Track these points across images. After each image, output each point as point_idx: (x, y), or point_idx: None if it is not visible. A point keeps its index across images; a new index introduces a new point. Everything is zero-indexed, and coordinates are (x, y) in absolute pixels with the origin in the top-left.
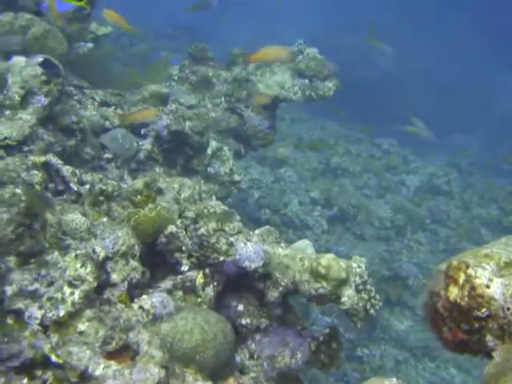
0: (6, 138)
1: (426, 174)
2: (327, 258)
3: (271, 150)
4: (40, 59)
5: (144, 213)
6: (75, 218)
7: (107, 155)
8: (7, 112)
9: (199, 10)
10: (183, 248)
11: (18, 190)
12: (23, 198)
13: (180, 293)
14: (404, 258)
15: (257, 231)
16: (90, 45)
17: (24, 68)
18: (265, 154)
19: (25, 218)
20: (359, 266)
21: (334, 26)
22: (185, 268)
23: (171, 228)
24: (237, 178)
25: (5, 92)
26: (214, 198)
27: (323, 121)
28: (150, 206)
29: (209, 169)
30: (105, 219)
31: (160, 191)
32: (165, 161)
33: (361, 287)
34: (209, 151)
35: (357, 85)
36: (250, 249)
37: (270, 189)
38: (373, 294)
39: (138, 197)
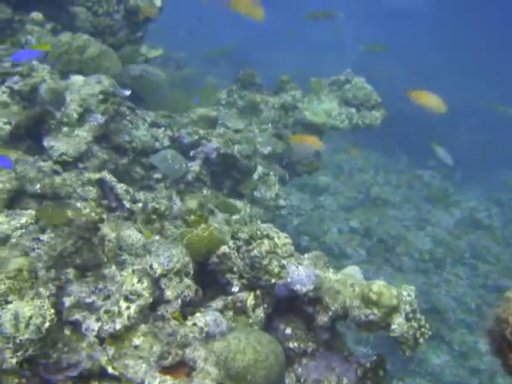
0: (62, 154)
1: (467, 208)
2: (379, 285)
3: (311, 178)
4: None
5: (197, 232)
6: (131, 234)
7: (157, 175)
8: (65, 129)
9: (319, 18)
10: (234, 269)
11: (78, 204)
12: (84, 211)
13: (230, 313)
14: (442, 291)
15: (306, 255)
16: (142, 67)
17: (82, 87)
18: (305, 181)
19: (84, 231)
20: (409, 295)
21: (378, 56)
22: (235, 289)
23: (224, 248)
24: (282, 203)
25: (63, 109)
26: (259, 221)
27: (364, 150)
28: (203, 226)
29: (255, 193)
30: (157, 237)
31: (211, 212)
32: (212, 183)
33: (411, 315)
34: (255, 175)
35: (401, 116)
36: (301, 272)
37: (309, 216)
38: (422, 322)
39: (192, 216)
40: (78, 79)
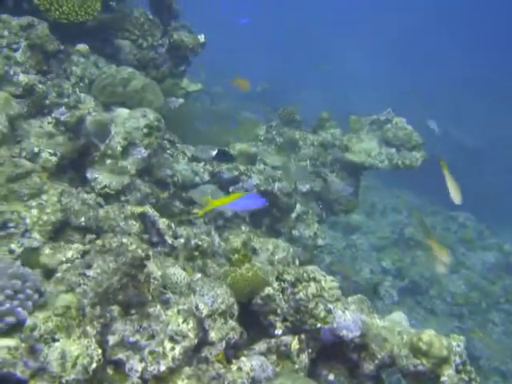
0: (105, 187)
1: (502, 251)
2: (429, 335)
3: (344, 216)
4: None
5: (241, 272)
6: (176, 272)
7: (196, 210)
8: (108, 161)
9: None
10: (278, 311)
11: (124, 240)
12: (130, 248)
13: (274, 357)
14: (476, 337)
15: (350, 299)
16: (181, 100)
17: (127, 119)
18: (337, 219)
19: (131, 268)
20: (458, 345)
21: (408, 96)
22: (279, 332)
23: (268, 290)
24: (320, 242)
25: (107, 142)
26: (297, 261)
27: (397, 190)
28: (247, 265)
29: (293, 231)
30: (199, 275)
31: (254, 251)
32: (251, 220)
33: (461, 367)
34: (294, 213)
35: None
36: (348, 317)
37: (341, 255)
38: (473, 375)
39: (236, 255)
40: (122, 112)
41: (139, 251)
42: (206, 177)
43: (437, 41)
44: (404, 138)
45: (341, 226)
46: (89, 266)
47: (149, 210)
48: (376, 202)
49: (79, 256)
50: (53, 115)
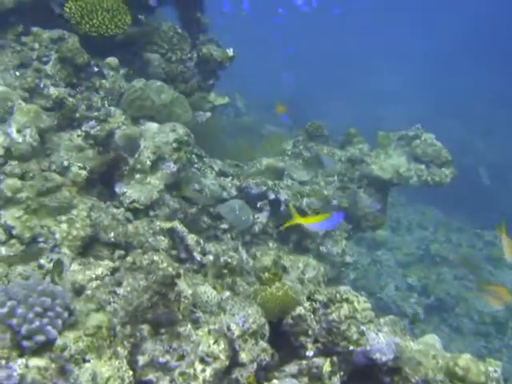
0: (133, 201)
1: None
2: (466, 359)
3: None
4: None
5: (271, 291)
6: (207, 290)
7: (223, 225)
8: (137, 176)
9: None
10: (310, 332)
11: (155, 258)
12: (161, 265)
13: (305, 379)
14: (504, 357)
15: (382, 320)
16: (209, 114)
17: (157, 134)
18: (362, 234)
19: (161, 286)
20: (495, 371)
21: (436, 111)
22: (310, 353)
23: (299, 310)
24: (348, 259)
25: (136, 156)
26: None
27: (423, 206)
28: (278, 284)
29: (321, 248)
30: (228, 293)
31: (284, 269)
32: (278, 235)
33: None
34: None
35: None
36: (381, 340)
37: (366, 271)
38: None
39: (266, 274)
40: (152, 126)
41: (170, 269)
42: (234, 192)
43: (465, 59)
44: (433, 155)
45: (366, 241)
46: (119, 284)
47: (177, 225)
48: (401, 218)
49: (109, 273)
50: (83, 128)
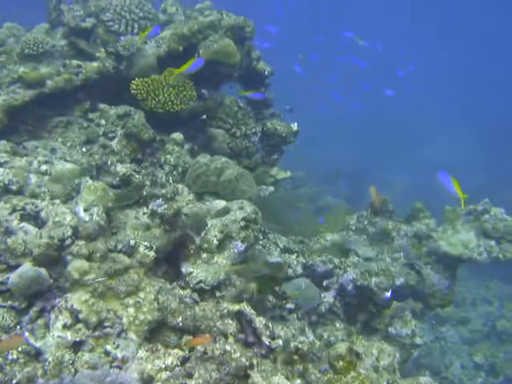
0: (200, 282)
1: None
2: None
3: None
4: None
5: (346, 381)
6: (280, 382)
7: (290, 305)
8: (204, 255)
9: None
10: None
11: (228, 347)
12: (233, 355)
13: None
14: None
15: None
16: (272, 188)
17: (224, 211)
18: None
19: (234, 379)
20: None
21: (498, 180)
22: None
23: None
24: (418, 341)
25: (203, 234)
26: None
27: (487, 280)
28: (353, 373)
29: (390, 329)
30: (299, 381)
31: (357, 355)
32: (345, 315)
33: None
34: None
35: None
36: None
37: (429, 348)
38: None
39: (340, 362)
40: (219, 203)
41: (243, 360)
42: (299, 269)
43: None
44: (504, 230)
45: (428, 317)
46: (190, 376)
47: (245, 307)
48: (465, 292)
49: (179, 363)
50: (150, 207)
